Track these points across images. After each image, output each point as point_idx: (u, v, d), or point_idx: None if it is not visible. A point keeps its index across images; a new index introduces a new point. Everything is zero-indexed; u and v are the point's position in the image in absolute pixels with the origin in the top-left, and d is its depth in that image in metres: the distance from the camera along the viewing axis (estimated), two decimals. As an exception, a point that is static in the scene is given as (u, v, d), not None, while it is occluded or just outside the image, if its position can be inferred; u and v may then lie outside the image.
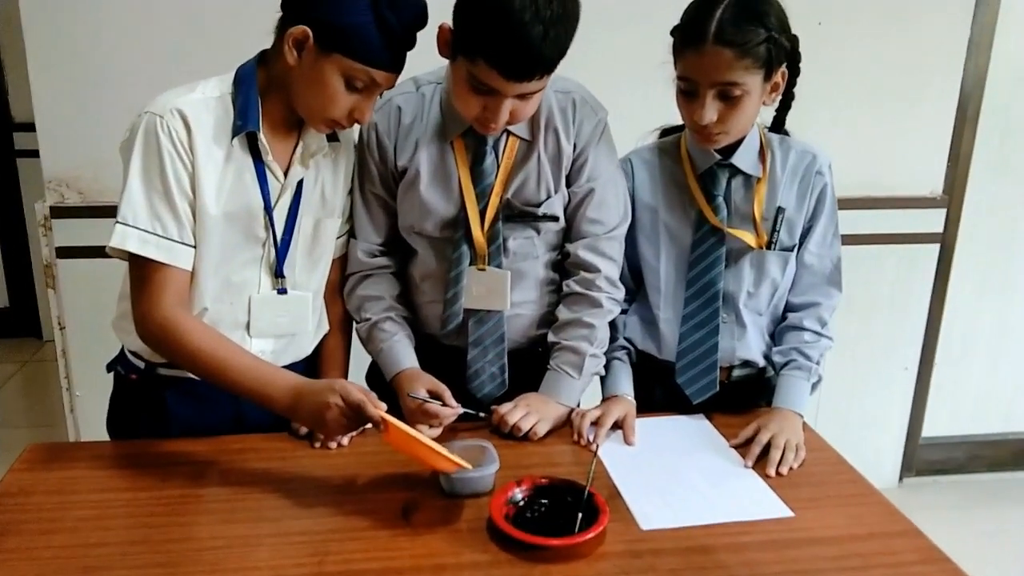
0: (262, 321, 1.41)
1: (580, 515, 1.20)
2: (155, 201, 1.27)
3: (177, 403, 1.42)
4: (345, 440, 1.40)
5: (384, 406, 1.23)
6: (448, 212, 1.48)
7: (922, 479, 3.03)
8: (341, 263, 1.56)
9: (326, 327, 1.55)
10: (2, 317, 4.00)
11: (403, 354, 1.50)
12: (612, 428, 1.47)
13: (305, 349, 1.50)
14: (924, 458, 3.01)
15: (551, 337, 1.55)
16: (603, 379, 1.58)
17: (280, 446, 1.41)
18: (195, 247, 1.31)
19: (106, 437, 1.51)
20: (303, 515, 1.22)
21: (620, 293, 1.55)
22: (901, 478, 3.01)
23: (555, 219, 1.51)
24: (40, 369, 3.71)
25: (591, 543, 1.16)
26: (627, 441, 1.45)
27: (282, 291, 1.42)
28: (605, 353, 1.57)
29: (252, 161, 1.34)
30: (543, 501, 1.25)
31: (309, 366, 1.53)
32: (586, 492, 1.24)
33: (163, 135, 1.26)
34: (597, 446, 1.41)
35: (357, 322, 1.57)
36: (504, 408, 1.46)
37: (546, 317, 1.58)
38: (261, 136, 1.32)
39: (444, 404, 1.41)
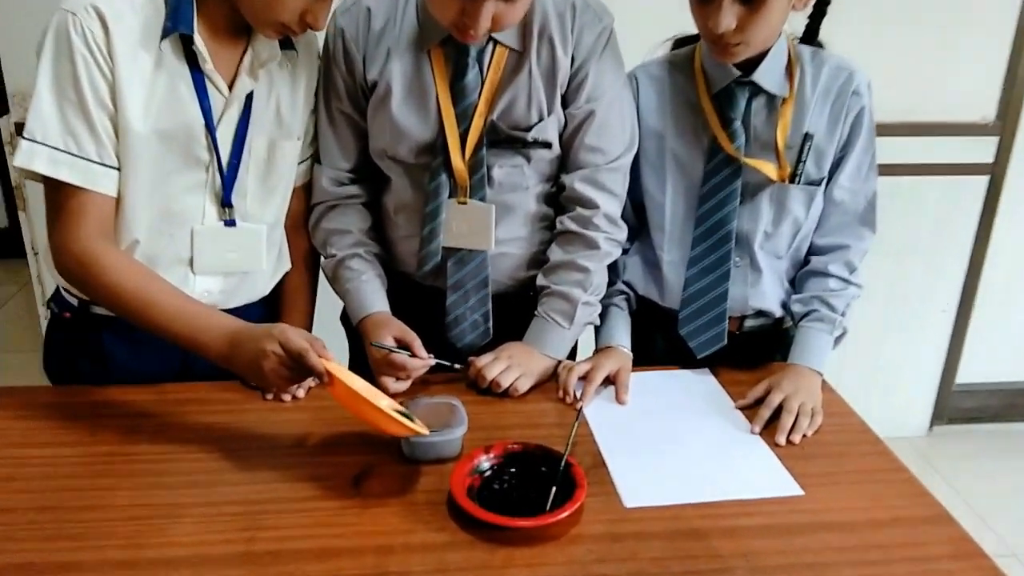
0: (207, 256, 1.24)
1: (554, 489, 1.04)
2: (68, 114, 1.09)
3: (115, 346, 1.27)
4: (300, 392, 1.25)
5: (332, 356, 1.07)
6: (424, 135, 1.29)
7: (954, 427, 2.84)
8: (305, 192, 1.38)
9: (287, 264, 1.38)
10: (2, 237, 3.88)
11: (371, 296, 1.34)
12: (603, 384, 1.30)
13: (260, 289, 1.34)
14: (957, 405, 2.83)
15: (540, 280, 1.37)
16: (597, 328, 1.41)
17: (228, 397, 1.26)
18: (119, 169, 1.14)
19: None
20: (240, 480, 1.07)
21: (621, 233, 1.36)
22: (931, 426, 2.83)
23: (548, 146, 1.31)
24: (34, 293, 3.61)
25: (564, 523, 1.00)
26: (619, 399, 1.29)
27: (230, 223, 1.25)
28: (601, 299, 1.39)
29: (188, 70, 1.15)
30: (513, 470, 1.09)
31: (269, 308, 1.38)
32: (563, 461, 1.08)
33: (76, 36, 1.07)
34: (583, 405, 1.25)
35: (324, 258, 1.40)
36: (483, 360, 1.29)
37: (537, 258, 1.39)
38: (197, 40, 1.13)
39: (413, 355, 1.25)
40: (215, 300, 1.26)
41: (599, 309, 1.38)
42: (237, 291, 1.29)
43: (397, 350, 1.25)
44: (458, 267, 1.36)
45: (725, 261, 1.32)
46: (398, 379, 1.26)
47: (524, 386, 1.28)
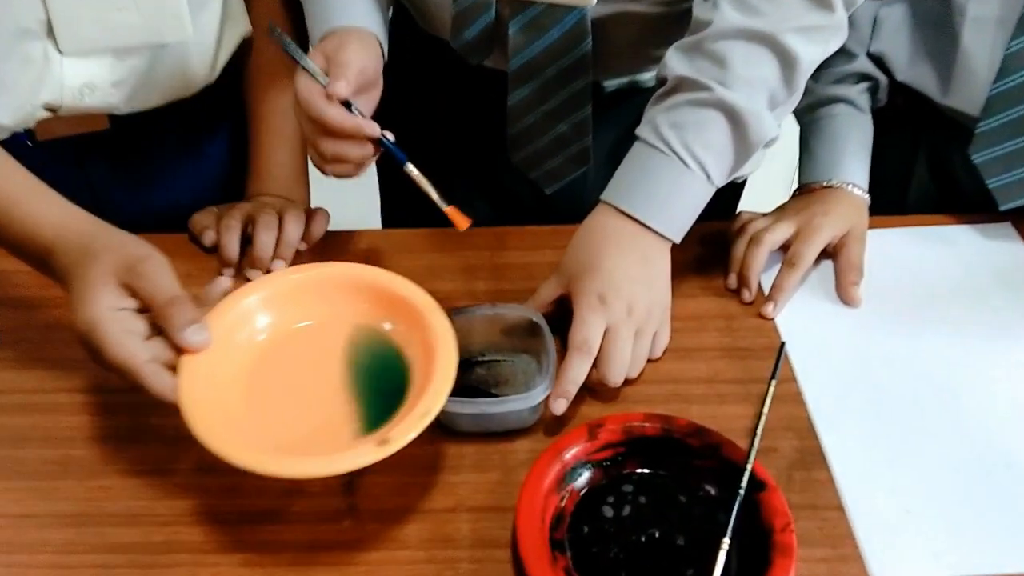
0: (78, 22, 0.66)
1: (726, 544, 0.51)
2: None
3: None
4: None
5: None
6: None
7: None
8: None
9: (242, 25, 0.79)
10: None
11: None
12: (817, 260, 0.71)
13: (198, 75, 0.76)
14: None
15: (675, 65, 0.66)
16: (804, 142, 0.78)
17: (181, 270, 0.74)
18: None
19: None
20: (147, 493, 0.58)
21: None
22: None
23: None
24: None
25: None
26: (845, 296, 0.70)
27: (109, -43, 0.65)
28: (820, 87, 0.75)
29: None
30: (642, 474, 0.56)
31: (224, 110, 0.82)
32: (745, 475, 0.54)
33: None
34: (775, 312, 0.68)
35: None
36: (578, 334, 0.61)
37: (683, 25, 0.70)
38: None
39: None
40: (107, 101, 0.71)
41: (778, 133, 0.68)
42: (149, 84, 0.72)
43: (316, 72, 0.62)
44: (527, 36, 0.71)
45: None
46: (334, 160, 0.64)
47: (662, 346, 0.66)
